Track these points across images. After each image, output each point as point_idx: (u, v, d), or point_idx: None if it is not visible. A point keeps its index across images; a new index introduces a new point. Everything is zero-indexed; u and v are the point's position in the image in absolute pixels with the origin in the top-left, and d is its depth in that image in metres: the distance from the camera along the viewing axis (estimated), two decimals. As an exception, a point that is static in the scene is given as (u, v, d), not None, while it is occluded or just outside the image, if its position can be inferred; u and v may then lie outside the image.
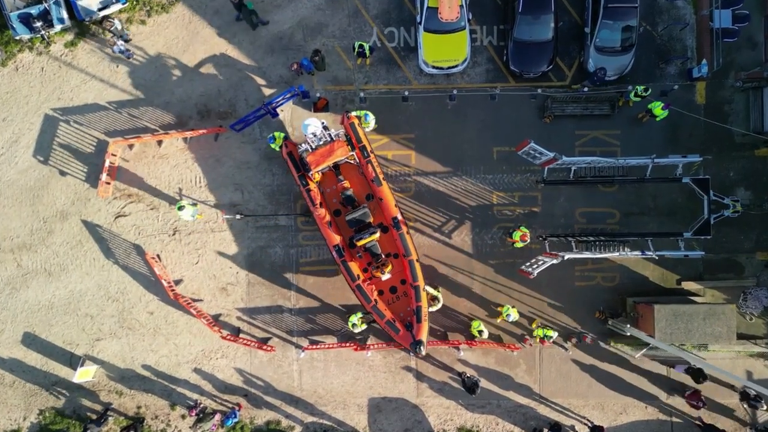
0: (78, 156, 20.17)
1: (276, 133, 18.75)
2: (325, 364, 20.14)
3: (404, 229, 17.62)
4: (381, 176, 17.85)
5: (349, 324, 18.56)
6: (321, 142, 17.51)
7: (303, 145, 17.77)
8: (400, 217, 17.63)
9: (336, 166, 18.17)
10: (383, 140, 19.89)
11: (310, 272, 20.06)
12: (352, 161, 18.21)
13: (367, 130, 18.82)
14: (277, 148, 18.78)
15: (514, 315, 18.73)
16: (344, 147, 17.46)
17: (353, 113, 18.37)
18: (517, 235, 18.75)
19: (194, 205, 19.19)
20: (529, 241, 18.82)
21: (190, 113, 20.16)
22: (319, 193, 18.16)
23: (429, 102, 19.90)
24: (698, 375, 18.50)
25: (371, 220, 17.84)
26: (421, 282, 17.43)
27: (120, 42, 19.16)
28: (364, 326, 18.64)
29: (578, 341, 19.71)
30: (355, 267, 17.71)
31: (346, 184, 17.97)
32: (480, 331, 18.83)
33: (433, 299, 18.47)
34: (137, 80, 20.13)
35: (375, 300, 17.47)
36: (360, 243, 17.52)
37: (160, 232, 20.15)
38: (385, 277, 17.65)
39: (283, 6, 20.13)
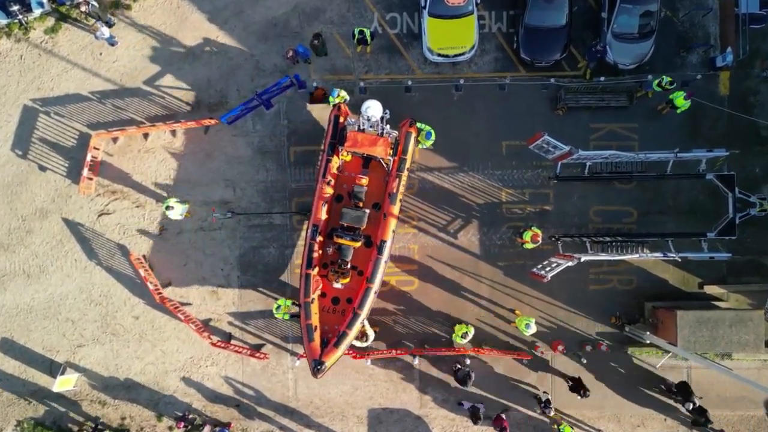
0: (59, 150, 19.03)
1: (342, 91, 17.44)
2: (321, 372, 18.95)
3: (384, 257, 16.27)
4: (401, 196, 16.57)
5: (275, 306, 17.37)
6: (370, 129, 16.28)
7: (353, 119, 16.45)
8: (389, 244, 16.30)
9: (368, 159, 16.98)
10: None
11: (307, 274, 18.82)
12: (384, 165, 16.98)
13: (421, 147, 17.75)
14: (331, 106, 17.43)
15: (534, 327, 17.56)
16: (387, 148, 16.24)
17: (418, 124, 17.18)
18: (527, 235, 17.58)
19: (183, 203, 17.99)
20: (540, 241, 17.66)
21: (178, 104, 18.99)
22: (336, 170, 16.88)
23: (433, 92, 18.76)
24: (476, 416, 17.69)
25: (363, 227, 16.61)
26: (364, 313, 16.11)
27: (104, 28, 17.94)
28: (286, 317, 17.34)
29: (593, 349, 18.49)
30: (318, 256, 16.42)
31: (365, 180, 16.68)
32: (464, 334, 17.60)
33: (363, 335, 17.28)
34: (122, 69, 18.99)
35: (313, 299, 16.16)
36: (337, 240, 16.42)
37: (147, 232, 19.00)
38: (337, 285, 16.58)
39: (277, -10, 19.01)
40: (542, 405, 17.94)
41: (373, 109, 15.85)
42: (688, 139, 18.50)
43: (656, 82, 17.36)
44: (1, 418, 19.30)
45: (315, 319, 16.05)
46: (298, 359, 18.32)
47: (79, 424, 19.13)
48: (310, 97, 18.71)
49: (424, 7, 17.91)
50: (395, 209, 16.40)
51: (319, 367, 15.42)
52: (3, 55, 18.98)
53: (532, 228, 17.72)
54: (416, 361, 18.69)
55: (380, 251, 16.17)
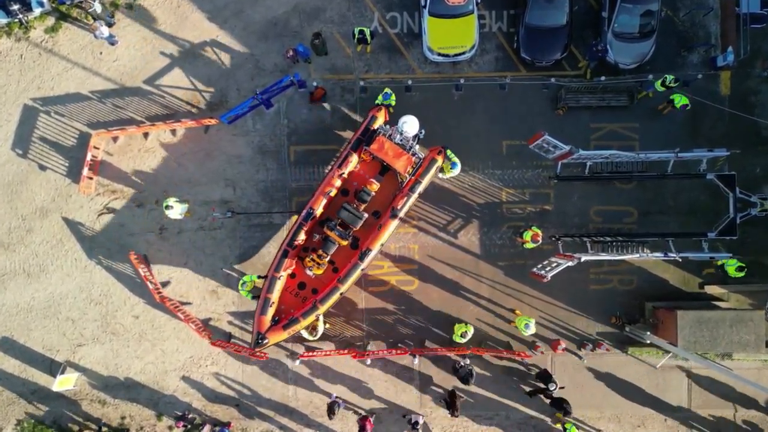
0: (59, 149, 18.99)
1: (393, 95, 17.41)
2: (321, 372, 18.99)
3: (363, 264, 16.28)
4: (401, 215, 16.49)
5: (240, 282, 17.29)
6: (400, 142, 16.32)
7: (387, 126, 16.48)
8: (373, 254, 16.27)
9: (386, 168, 16.91)
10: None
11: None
12: (399, 179, 16.96)
13: (442, 176, 17.67)
14: (376, 102, 17.43)
15: (533, 327, 17.50)
16: (408, 165, 16.29)
17: (449, 152, 17.14)
18: (528, 235, 17.54)
19: (182, 202, 17.96)
20: (541, 241, 17.61)
21: (178, 103, 18.96)
22: (352, 167, 16.77)
23: (434, 92, 18.72)
24: (331, 411, 17.44)
25: (356, 228, 16.59)
26: (323, 308, 16.22)
27: (103, 27, 17.92)
28: (249, 296, 17.29)
29: (593, 348, 18.46)
30: (302, 237, 16.40)
31: (376, 186, 16.66)
32: (463, 334, 17.55)
33: (314, 329, 17.28)
34: (122, 68, 18.95)
35: (281, 276, 16.25)
36: (326, 231, 16.36)
37: (146, 231, 18.97)
38: (309, 273, 16.64)
39: (277, -11, 18.97)
40: (411, 426, 17.80)
41: (410, 125, 16.01)
42: (689, 139, 18.46)
43: (659, 82, 17.31)
44: (1, 417, 19.26)
45: (275, 296, 16.25)
46: (298, 359, 18.28)
47: (79, 424, 19.11)
48: (310, 97, 18.68)
49: (425, 7, 17.85)
50: (392, 224, 16.31)
51: (260, 341, 15.82)
52: (3, 54, 18.95)
53: (533, 228, 17.68)
54: (416, 361, 18.65)
55: (362, 258, 16.18)
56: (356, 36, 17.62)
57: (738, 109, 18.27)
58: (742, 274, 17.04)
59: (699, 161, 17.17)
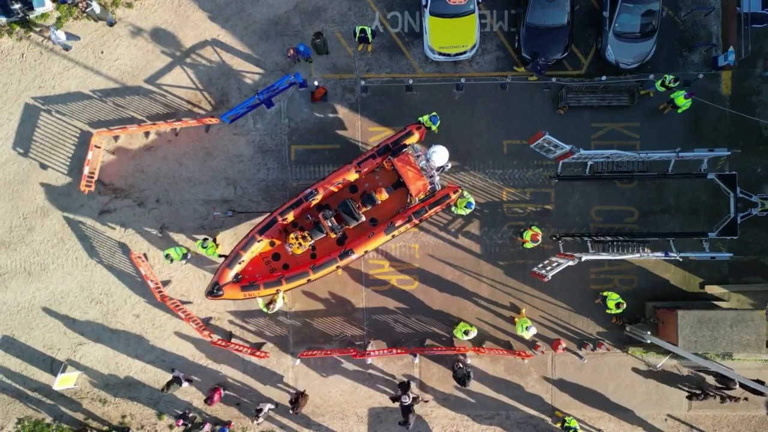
0: (60, 148, 19.00)
1: (439, 122, 17.48)
2: (322, 371, 19.01)
3: (341, 263, 16.48)
4: (396, 233, 16.67)
5: (198, 242, 17.73)
6: (424, 168, 16.60)
7: (418, 146, 16.82)
8: (353, 257, 16.45)
9: (400, 183, 16.99)
10: (386, 132, 18.63)
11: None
12: (408, 200, 17.07)
13: (456, 211, 17.65)
14: (420, 119, 17.48)
15: (534, 330, 17.45)
16: (422, 192, 16.67)
17: (464, 193, 17.33)
18: (528, 235, 17.57)
19: (179, 251, 17.99)
20: (540, 241, 17.66)
21: (179, 103, 18.97)
22: (373, 168, 16.93)
23: (435, 91, 18.73)
24: (168, 386, 17.76)
25: (349, 227, 16.73)
26: (286, 287, 16.52)
27: (59, 32, 17.77)
28: (216, 255, 17.64)
29: (593, 348, 18.47)
30: (293, 216, 16.55)
31: (384, 195, 16.77)
32: (466, 332, 17.59)
33: (272, 302, 17.29)
34: (123, 67, 18.95)
35: (261, 240, 16.51)
36: (320, 217, 16.46)
37: (147, 230, 18.96)
38: (288, 248, 16.73)
39: (279, -12, 18.97)
40: (255, 411, 18.13)
41: (438, 155, 16.30)
42: (690, 139, 18.46)
43: (659, 82, 17.32)
44: (2, 416, 19.29)
45: (248, 256, 16.50)
46: (298, 358, 18.30)
47: (80, 423, 19.13)
48: (311, 96, 18.68)
49: (426, 6, 17.84)
50: (382, 239, 16.47)
51: (215, 291, 16.21)
52: (4, 53, 18.96)
53: (532, 228, 17.71)
54: (416, 360, 18.66)
55: (342, 256, 16.35)
56: (357, 35, 17.65)
57: (739, 109, 18.26)
58: (619, 311, 17.35)
59: (700, 161, 17.17)
